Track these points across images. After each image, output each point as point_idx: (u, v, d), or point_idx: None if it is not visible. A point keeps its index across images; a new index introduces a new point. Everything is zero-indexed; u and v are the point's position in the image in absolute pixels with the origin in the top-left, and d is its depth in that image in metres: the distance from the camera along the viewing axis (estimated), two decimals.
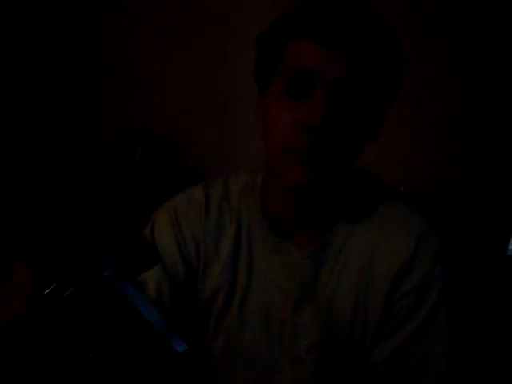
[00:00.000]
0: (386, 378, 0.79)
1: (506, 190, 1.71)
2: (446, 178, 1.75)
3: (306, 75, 0.70)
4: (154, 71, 2.34)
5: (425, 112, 1.82)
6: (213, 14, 2.16)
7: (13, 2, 2.07)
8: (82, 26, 2.36)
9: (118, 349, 0.49)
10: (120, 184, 2.18)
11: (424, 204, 0.84)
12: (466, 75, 1.71)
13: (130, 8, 2.32)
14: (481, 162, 1.71)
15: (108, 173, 2.25)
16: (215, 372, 0.87)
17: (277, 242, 0.82)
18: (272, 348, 0.83)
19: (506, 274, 1.68)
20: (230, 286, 0.83)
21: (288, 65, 0.72)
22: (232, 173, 0.89)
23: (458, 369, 0.79)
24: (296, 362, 0.82)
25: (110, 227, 0.53)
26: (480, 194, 1.72)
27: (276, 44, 0.74)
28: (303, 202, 0.79)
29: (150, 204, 0.92)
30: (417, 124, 1.83)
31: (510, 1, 1.64)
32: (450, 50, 1.73)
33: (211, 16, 2.16)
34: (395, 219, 0.80)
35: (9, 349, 0.47)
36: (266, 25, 0.77)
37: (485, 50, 1.69)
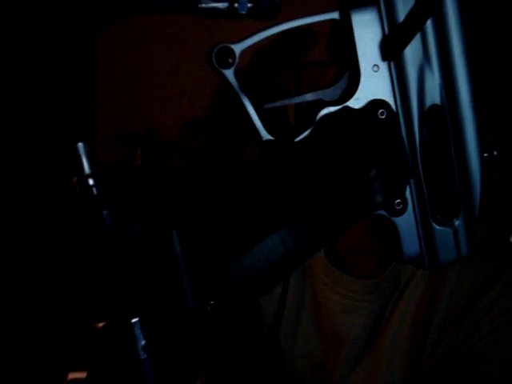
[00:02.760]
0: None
1: (506, 189, 1.72)
2: None
3: None
4: (154, 71, 2.34)
5: None
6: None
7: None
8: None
9: None
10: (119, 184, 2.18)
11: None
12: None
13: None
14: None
15: (107, 173, 2.25)
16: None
17: (330, 269, 0.63)
18: None
19: None
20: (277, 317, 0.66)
21: None
22: None
23: None
24: None
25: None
26: (479, 194, 1.72)
27: None
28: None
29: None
30: None
31: None
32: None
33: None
34: (476, 250, 0.61)
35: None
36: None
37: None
